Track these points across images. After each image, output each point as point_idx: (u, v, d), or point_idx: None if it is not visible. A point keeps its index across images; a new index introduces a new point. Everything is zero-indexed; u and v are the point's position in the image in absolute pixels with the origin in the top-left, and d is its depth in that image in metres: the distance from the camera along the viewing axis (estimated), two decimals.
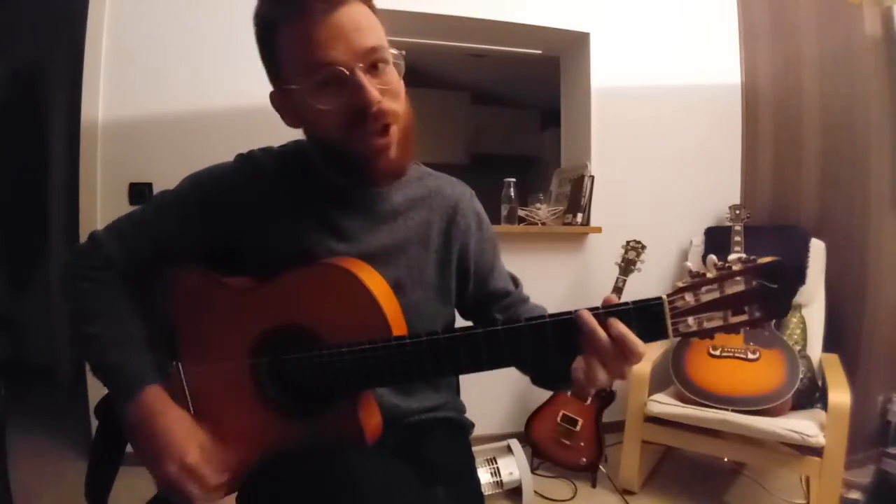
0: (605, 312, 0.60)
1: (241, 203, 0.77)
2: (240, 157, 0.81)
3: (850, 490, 1.71)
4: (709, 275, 0.60)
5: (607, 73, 2.44)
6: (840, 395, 1.60)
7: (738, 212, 2.22)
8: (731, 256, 0.52)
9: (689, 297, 0.59)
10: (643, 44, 2.49)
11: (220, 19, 2.05)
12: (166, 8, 2.02)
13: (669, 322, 0.59)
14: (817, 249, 2.11)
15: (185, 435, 0.68)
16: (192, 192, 0.79)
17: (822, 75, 2.24)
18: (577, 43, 2.52)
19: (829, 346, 1.97)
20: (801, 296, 2.05)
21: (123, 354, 0.71)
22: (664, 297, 0.59)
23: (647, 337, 0.60)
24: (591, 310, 0.61)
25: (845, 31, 2.12)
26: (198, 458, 0.67)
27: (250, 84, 2.04)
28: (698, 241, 2.39)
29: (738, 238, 2.10)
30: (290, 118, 0.73)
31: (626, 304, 0.60)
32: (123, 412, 0.70)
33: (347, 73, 0.64)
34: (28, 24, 2.82)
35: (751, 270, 0.58)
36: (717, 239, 2.28)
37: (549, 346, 0.62)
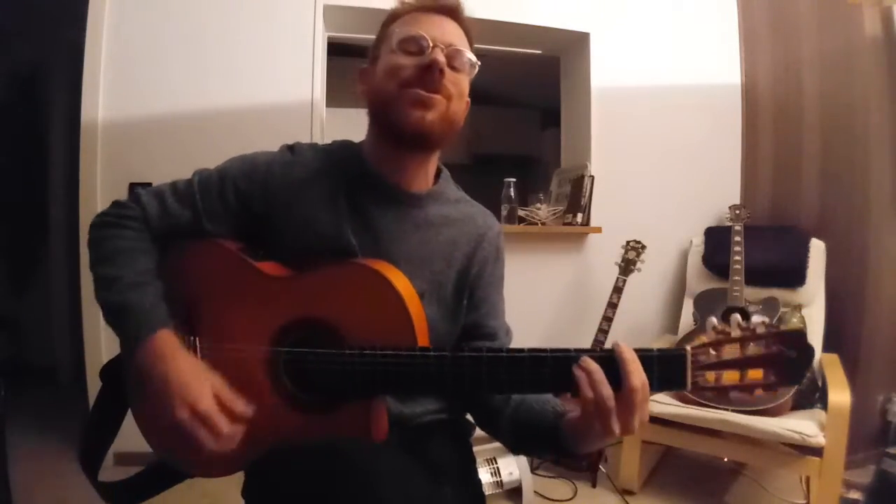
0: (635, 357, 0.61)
1: (278, 189, 0.79)
2: (284, 147, 0.84)
3: (850, 490, 1.71)
4: (733, 334, 0.62)
5: (607, 73, 2.44)
6: (840, 395, 1.60)
7: (738, 212, 2.21)
8: (755, 318, 0.54)
9: (711, 352, 0.62)
10: (643, 44, 2.49)
11: (220, 19, 2.05)
12: (166, 8, 2.02)
13: (690, 374, 0.61)
14: (817, 249, 2.11)
15: (198, 380, 0.67)
16: (233, 172, 0.81)
17: (822, 75, 2.24)
18: (577, 43, 2.52)
19: (829, 346, 1.97)
20: (802, 296, 2.05)
21: (140, 296, 0.71)
22: (688, 349, 0.61)
23: (665, 385, 0.62)
24: (605, 351, 0.62)
25: (845, 31, 2.12)
26: (211, 404, 0.65)
27: (250, 84, 2.08)
28: (698, 241, 2.39)
29: (738, 238, 2.10)
30: (366, 85, 0.82)
31: (651, 350, 0.62)
32: (133, 354, 0.69)
33: (430, 43, 0.75)
34: (28, 24, 2.82)
35: (773, 336, 0.61)
36: (717, 239, 2.28)
37: (573, 378, 0.62)
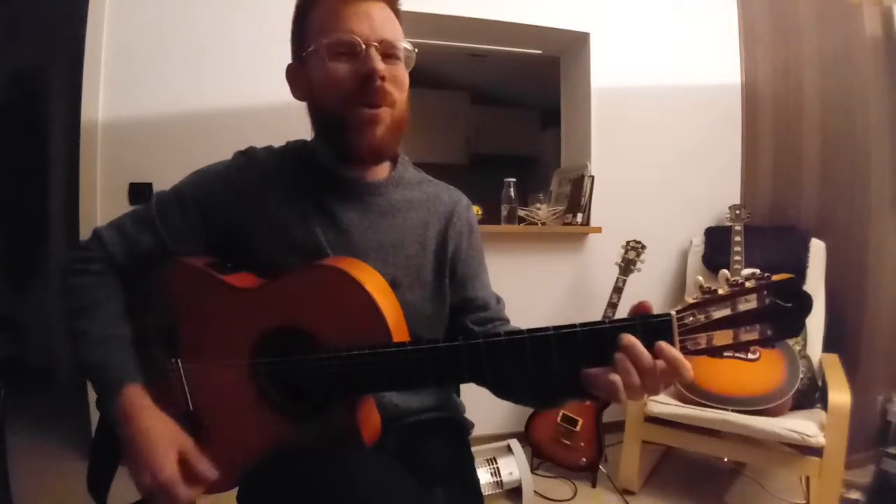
0: (610, 328, 0.59)
1: (238, 198, 0.79)
2: (238, 153, 0.83)
3: (850, 490, 1.71)
4: (720, 291, 0.58)
5: (607, 73, 2.44)
6: (840, 395, 1.60)
7: (738, 212, 2.21)
8: (745, 271, 0.50)
9: (698, 314, 0.58)
10: (643, 44, 2.49)
11: (220, 19, 2.05)
12: (166, 8, 2.02)
13: (677, 339, 0.58)
14: (817, 249, 2.11)
15: (163, 445, 0.67)
16: (191, 188, 0.81)
17: (822, 75, 2.24)
18: (577, 43, 2.52)
19: (829, 346, 1.97)
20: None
21: (106, 353, 0.71)
22: (673, 313, 0.58)
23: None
24: (594, 324, 0.60)
25: (845, 31, 2.12)
26: (171, 473, 0.66)
27: (250, 84, 2.08)
28: (698, 241, 2.39)
29: (738, 238, 2.10)
30: (300, 89, 0.78)
31: (633, 319, 0.59)
32: (110, 413, 0.69)
33: (363, 46, 0.70)
34: (28, 24, 2.82)
35: (764, 288, 0.56)
36: (717, 239, 2.28)
37: (552, 360, 0.61)
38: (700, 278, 0.61)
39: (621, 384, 0.58)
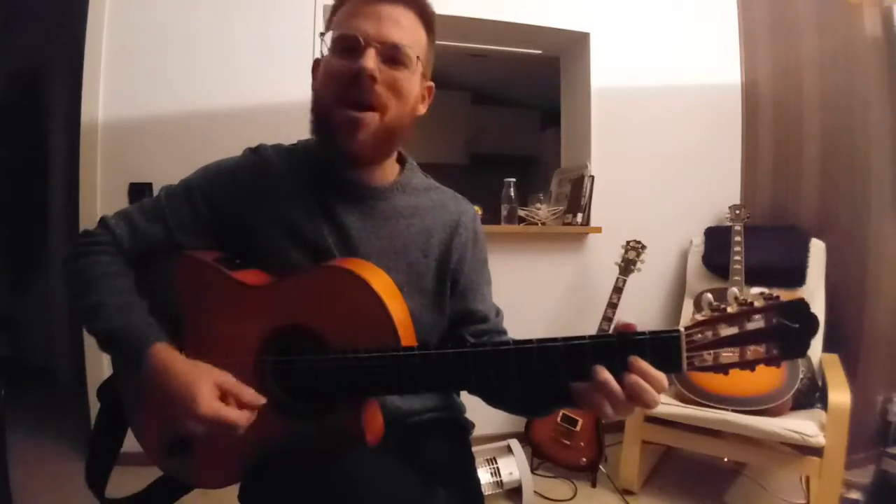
0: (619, 342, 0.59)
1: (246, 194, 0.79)
2: (248, 150, 0.84)
3: (850, 490, 1.71)
4: (729, 310, 0.58)
5: (607, 73, 2.44)
6: (840, 395, 1.60)
7: (738, 212, 2.22)
8: (754, 290, 0.51)
9: (706, 331, 0.58)
10: (643, 44, 2.49)
11: (220, 20, 2.05)
12: (166, 8, 2.02)
13: (685, 356, 0.58)
14: (817, 249, 2.11)
15: (196, 383, 0.64)
16: (200, 182, 0.81)
17: (822, 75, 2.24)
18: (577, 43, 2.52)
19: (829, 346, 1.97)
20: (802, 296, 2.05)
21: (127, 317, 0.70)
22: (682, 329, 0.58)
23: (660, 370, 0.59)
24: (604, 337, 0.59)
25: (845, 31, 2.12)
26: (211, 405, 0.63)
27: (250, 84, 2.08)
28: (698, 241, 2.39)
29: (738, 238, 2.10)
30: (315, 80, 0.79)
31: (643, 333, 0.59)
32: (138, 377, 0.68)
33: (362, 43, 0.70)
34: (28, 24, 2.82)
35: (772, 308, 0.57)
36: (717, 239, 2.28)
37: (559, 371, 0.61)
38: (709, 295, 0.61)
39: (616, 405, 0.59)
